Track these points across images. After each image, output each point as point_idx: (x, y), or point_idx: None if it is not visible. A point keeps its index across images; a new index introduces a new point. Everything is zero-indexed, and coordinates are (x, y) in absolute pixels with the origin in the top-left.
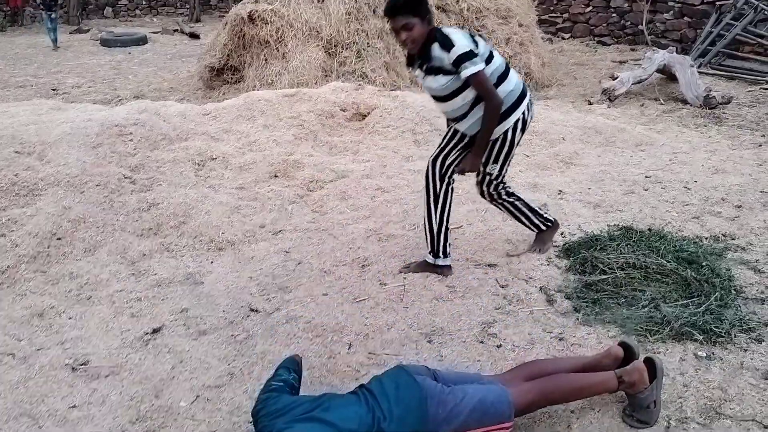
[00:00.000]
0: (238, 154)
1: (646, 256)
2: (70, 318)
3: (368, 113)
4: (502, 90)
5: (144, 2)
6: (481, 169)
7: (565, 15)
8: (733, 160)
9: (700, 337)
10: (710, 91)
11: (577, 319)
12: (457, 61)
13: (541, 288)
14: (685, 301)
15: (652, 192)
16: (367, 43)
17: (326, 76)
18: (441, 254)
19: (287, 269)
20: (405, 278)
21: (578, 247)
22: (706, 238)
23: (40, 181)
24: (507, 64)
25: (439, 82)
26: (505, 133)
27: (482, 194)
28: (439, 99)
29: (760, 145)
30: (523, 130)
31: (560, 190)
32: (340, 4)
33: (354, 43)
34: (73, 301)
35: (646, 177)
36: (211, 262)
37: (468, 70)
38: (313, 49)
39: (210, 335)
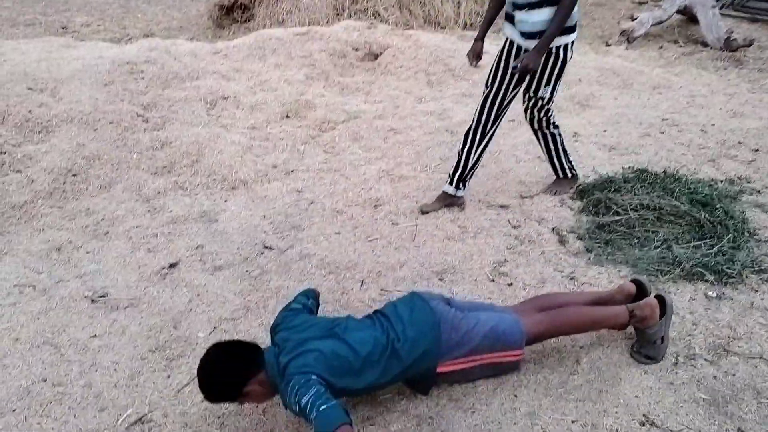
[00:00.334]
0: (250, 94)
1: (660, 198)
2: (87, 252)
3: (381, 53)
4: None
5: None
6: (532, 94)
7: None
8: (752, 104)
9: (712, 278)
10: (732, 33)
11: (589, 259)
12: None
13: (553, 229)
14: (697, 243)
15: (669, 135)
16: None
17: (338, 14)
18: (462, 186)
19: (300, 208)
20: (417, 218)
21: (592, 189)
22: (721, 181)
23: (53, 118)
24: None
25: None
26: (563, 49)
27: (532, 120)
28: None
29: None
30: (571, 58)
31: (575, 132)
32: None
33: None
34: (90, 236)
35: (662, 120)
36: (225, 201)
37: None
38: None
39: (225, 271)
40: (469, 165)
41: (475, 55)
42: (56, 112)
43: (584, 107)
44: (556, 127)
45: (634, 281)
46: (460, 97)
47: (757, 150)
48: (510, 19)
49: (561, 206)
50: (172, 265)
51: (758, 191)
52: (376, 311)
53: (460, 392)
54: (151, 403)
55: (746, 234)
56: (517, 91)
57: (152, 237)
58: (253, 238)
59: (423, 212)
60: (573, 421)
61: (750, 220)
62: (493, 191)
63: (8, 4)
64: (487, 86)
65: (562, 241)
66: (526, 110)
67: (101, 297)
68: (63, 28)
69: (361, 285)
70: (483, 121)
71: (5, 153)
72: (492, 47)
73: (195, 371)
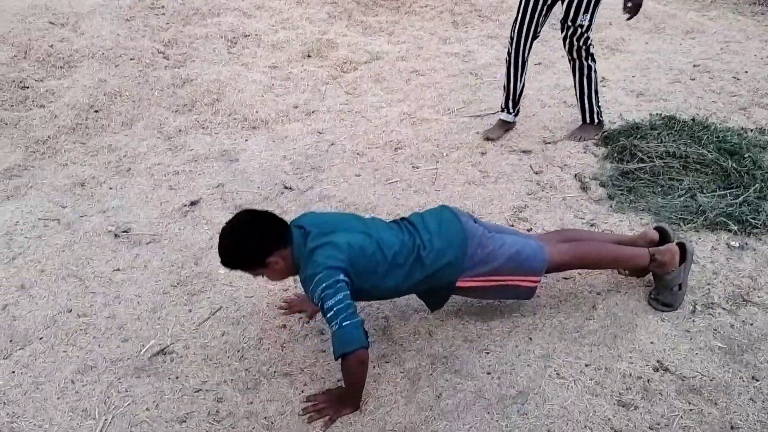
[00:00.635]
0: (271, 32)
1: (687, 145)
2: (110, 188)
3: None
4: None
5: None
6: (570, 23)
7: None
8: None
9: (735, 228)
10: None
11: (611, 206)
12: None
13: (575, 175)
14: (722, 192)
15: (699, 81)
16: None
17: None
18: (516, 110)
19: (320, 150)
20: (437, 162)
21: (617, 136)
22: (752, 130)
23: (75, 53)
24: None
25: None
26: None
27: (570, 49)
28: None
29: None
30: None
31: (603, 78)
32: None
33: None
34: (113, 172)
35: (694, 66)
36: (246, 140)
37: None
38: None
39: None
40: (518, 89)
41: None
42: (78, 47)
43: (613, 51)
44: (594, 60)
45: (658, 228)
46: (485, 38)
47: None
48: None
49: (585, 152)
50: (193, 203)
51: None
52: (402, 218)
53: (475, 333)
54: (172, 336)
55: None
56: (549, 14)
57: (173, 175)
58: (273, 178)
59: (487, 139)
60: (586, 365)
61: None
62: (516, 136)
63: None
64: (519, 9)
65: (584, 188)
66: (564, 40)
67: (124, 232)
68: None
69: None
70: (520, 45)
71: (29, 88)
72: None
73: (215, 307)
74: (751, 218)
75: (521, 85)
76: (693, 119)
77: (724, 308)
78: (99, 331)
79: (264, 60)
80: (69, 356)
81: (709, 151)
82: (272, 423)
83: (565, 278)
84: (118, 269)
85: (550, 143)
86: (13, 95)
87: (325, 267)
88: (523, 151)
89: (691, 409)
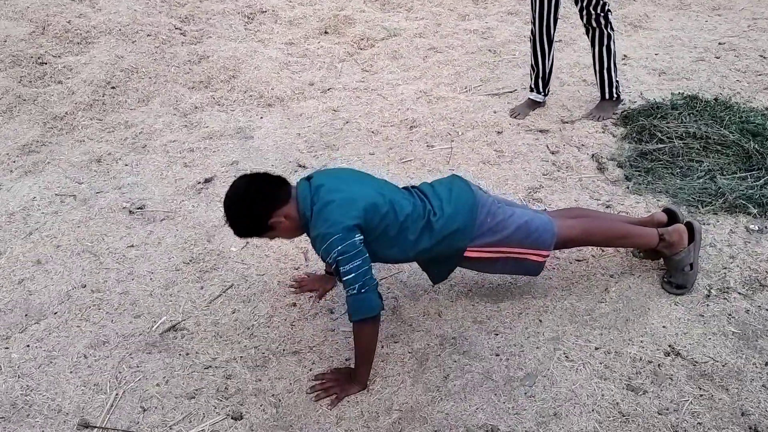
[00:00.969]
0: (288, 8)
1: (708, 126)
2: (126, 165)
3: None
4: None
5: None
6: None
7: None
8: None
9: (755, 211)
10: None
11: (628, 187)
12: None
13: (592, 155)
14: (743, 174)
15: (724, 60)
16: None
17: None
18: (546, 90)
19: (335, 128)
20: (452, 141)
21: (637, 115)
22: None
23: (92, 29)
24: None
25: None
26: None
27: (589, 18)
28: None
29: None
30: None
31: (625, 55)
32: None
33: None
34: (129, 149)
35: (719, 44)
36: (261, 118)
37: None
38: None
39: None
40: (547, 69)
41: None
42: (95, 23)
43: (636, 28)
44: (612, 29)
45: (666, 210)
46: (505, 15)
47: None
48: None
49: (603, 132)
50: (207, 180)
51: None
52: (412, 186)
53: (485, 314)
54: (184, 312)
55: None
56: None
57: (188, 152)
58: (287, 155)
59: (513, 116)
60: (596, 348)
61: None
62: (533, 114)
63: None
64: None
65: (600, 168)
66: (581, 11)
67: (138, 209)
68: None
69: None
70: (543, 23)
71: (46, 64)
72: None
73: (227, 284)
74: None
75: (550, 63)
76: (716, 99)
77: (739, 293)
78: (112, 306)
79: (281, 36)
80: (82, 331)
81: (731, 132)
82: (280, 400)
83: (578, 260)
84: (132, 245)
85: (567, 122)
86: (31, 71)
87: (340, 227)
88: (540, 131)
89: (701, 395)
